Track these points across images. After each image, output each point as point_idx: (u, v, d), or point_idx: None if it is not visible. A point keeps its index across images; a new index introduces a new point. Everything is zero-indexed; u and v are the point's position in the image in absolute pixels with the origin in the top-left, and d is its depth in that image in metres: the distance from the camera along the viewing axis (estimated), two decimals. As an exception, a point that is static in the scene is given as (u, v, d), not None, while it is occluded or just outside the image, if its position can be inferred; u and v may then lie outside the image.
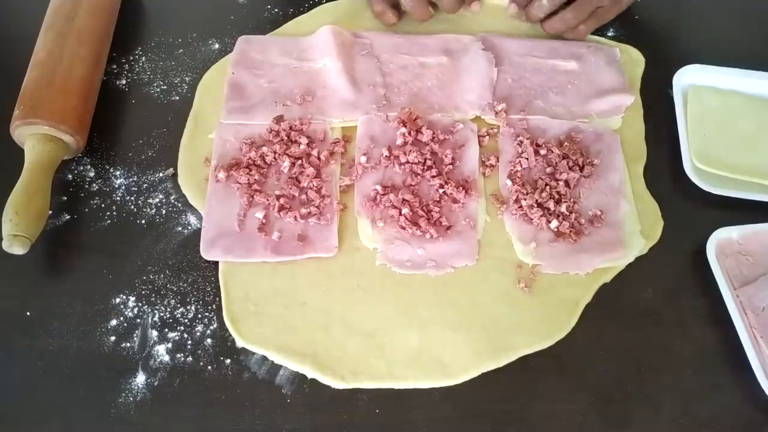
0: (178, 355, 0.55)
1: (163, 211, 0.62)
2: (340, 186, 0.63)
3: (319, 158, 0.63)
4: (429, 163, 0.63)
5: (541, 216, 0.60)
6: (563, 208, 0.61)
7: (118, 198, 0.62)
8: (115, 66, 0.70)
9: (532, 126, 0.67)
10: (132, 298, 0.57)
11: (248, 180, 0.61)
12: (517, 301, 0.58)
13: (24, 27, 0.71)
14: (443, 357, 0.55)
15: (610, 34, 0.75)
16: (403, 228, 0.59)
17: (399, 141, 0.64)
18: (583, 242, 0.60)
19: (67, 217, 0.61)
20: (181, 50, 0.72)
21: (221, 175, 0.62)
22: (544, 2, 0.68)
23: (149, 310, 0.57)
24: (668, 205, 0.63)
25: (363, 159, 0.63)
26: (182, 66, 0.71)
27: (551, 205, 0.61)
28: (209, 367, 0.54)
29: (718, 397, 0.55)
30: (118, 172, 0.64)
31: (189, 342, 0.55)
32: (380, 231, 0.60)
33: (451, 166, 0.63)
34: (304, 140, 0.64)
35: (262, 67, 0.69)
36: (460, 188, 0.61)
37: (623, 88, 0.69)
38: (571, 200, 0.62)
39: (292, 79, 0.68)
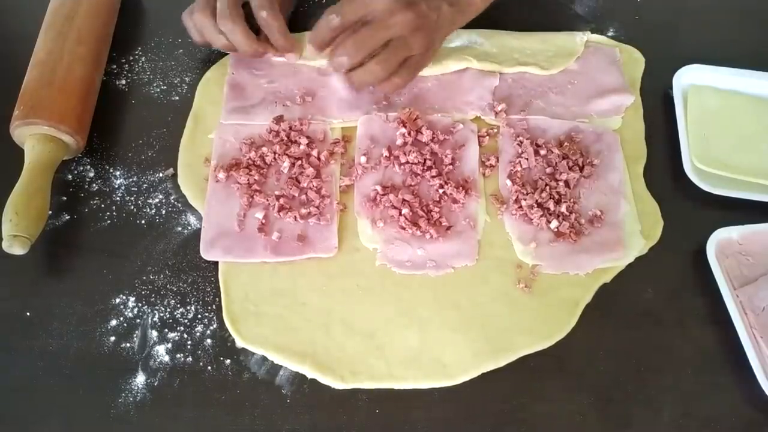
0: (178, 356, 0.55)
1: (163, 211, 0.62)
2: (340, 186, 0.63)
3: (319, 158, 0.63)
4: (429, 163, 0.63)
5: (541, 216, 0.60)
6: (563, 208, 0.61)
7: (118, 198, 0.62)
8: (115, 66, 0.70)
9: (532, 126, 0.67)
10: (132, 299, 0.57)
11: (248, 180, 0.61)
12: (517, 301, 0.58)
13: (24, 27, 0.71)
14: (443, 357, 0.55)
15: (610, 34, 0.75)
16: (403, 228, 0.59)
17: (399, 141, 0.64)
18: (583, 242, 0.60)
19: (67, 217, 0.61)
20: (181, 50, 0.72)
21: (221, 175, 0.62)
22: (344, 60, 0.60)
23: (149, 310, 0.57)
24: (668, 205, 0.63)
25: (363, 159, 0.63)
26: (182, 66, 0.71)
27: (551, 205, 0.61)
28: (209, 368, 0.54)
29: (718, 397, 0.55)
30: (118, 173, 0.64)
31: (189, 342, 0.55)
32: (380, 231, 0.60)
33: (451, 167, 0.63)
34: (303, 140, 0.64)
35: (261, 67, 0.69)
36: (460, 188, 0.61)
37: (623, 88, 0.69)
38: (571, 200, 0.62)
39: (292, 80, 0.68)
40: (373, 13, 0.59)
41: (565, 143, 0.65)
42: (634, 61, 0.73)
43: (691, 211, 0.63)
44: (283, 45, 0.66)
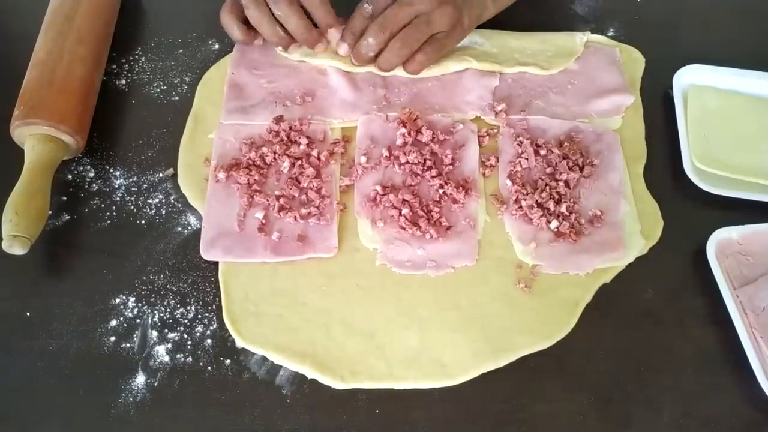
0: (178, 356, 0.55)
1: (163, 212, 0.62)
2: (340, 186, 0.63)
3: (319, 158, 0.63)
4: (429, 163, 0.63)
5: (541, 216, 0.60)
6: (563, 209, 0.61)
7: (118, 198, 0.62)
8: (115, 66, 0.70)
9: (532, 126, 0.67)
10: (132, 299, 0.57)
11: (248, 180, 0.61)
12: (517, 301, 0.58)
13: (24, 27, 0.71)
14: (443, 357, 0.55)
15: (610, 34, 0.75)
16: (403, 228, 0.59)
17: (399, 141, 0.64)
18: (583, 242, 0.60)
19: (67, 217, 0.61)
20: (181, 50, 0.72)
21: (221, 175, 0.62)
22: (370, 40, 0.62)
23: (149, 310, 0.57)
24: (668, 205, 0.63)
25: (363, 159, 0.63)
26: (182, 66, 0.71)
27: (551, 205, 0.61)
28: (209, 368, 0.54)
29: (718, 397, 0.55)
30: (118, 173, 0.64)
31: (189, 342, 0.55)
32: (380, 231, 0.60)
33: (451, 167, 0.63)
34: (303, 140, 0.64)
35: (262, 67, 0.69)
36: (460, 188, 0.61)
37: (623, 88, 0.69)
38: (571, 200, 0.62)
39: (292, 80, 0.68)
40: None
41: (565, 143, 0.65)
42: (634, 61, 0.73)
43: (691, 211, 0.63)
44: (329, 20, 0.64)
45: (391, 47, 0.63)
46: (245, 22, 0.65)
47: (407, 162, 0.63)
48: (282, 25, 0.64)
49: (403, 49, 0.63)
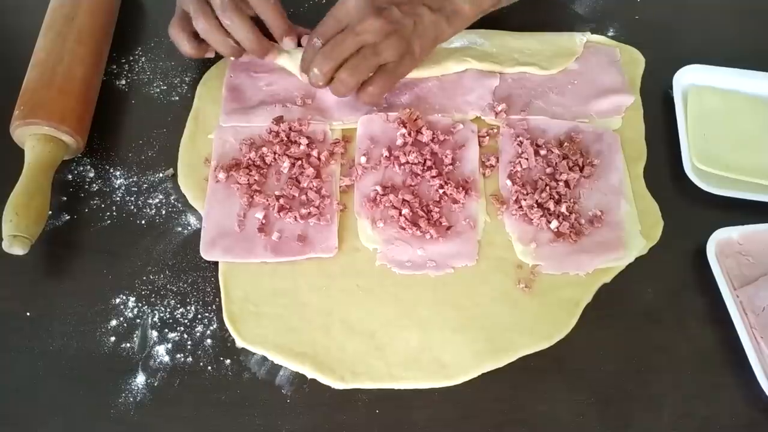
0: (178, 356, 0.55)
1: (163, 212, 0.62)
2: (340, 186, 0.63)
3: (319, 159, 0.63)
4: (429, 163, 0.63)
5: (541, 216, 0.60)
6: (563, 209, 0.61)
7: (118, 198, 0.62)
8: (115, 66, 0.70)
9: (532, 126, 0.67)
10: (132, 299, 0.57)
11: (248, 180, 0.61)
12: (517, 301, 0.58)
13: (24, 27, 0.71)
14: (443, 357, 0.55)
15: (610, 34, 0.75)
16: (403, 228, 0.59)
17: (399, 141, 0.64)
18: (583, 242, 0.60)
19: (67, 217, 0.61)
20: (181, 50, 0.72)
21: (221, 175, 0.62)
22: (315, 71, 0.59)
23: (149, 310, 0.57)
24: (668, 205, 0.63)
25: (363, 159, 0.63)
26: (182, 66, 0.71)
27: (551, 205, 0.61)
28: (209, 368, 0.54)
29: (718, 397, 0.55)
30: (118, 173, 0.64)
31: (189, 342, 0.55)
32: (380, 231, 0.60)
33: (451, 167, 0.63)
34: (303, 141, 0.64)
35: (260, 69, 0.69)
36: (460, 188, 0.61)
37: (623, 88, 0.69)
38: (571, 200, 0.62)
39: (291, 81, 0.68)
40: (348, 25, 0.59)
41: (565, 143, 0.65)
42: (634, 61, 0.73)
43: (691, 211, 0.63)
44: (282, 27, 0.63)
45: (338, 76, 0.60)
46: (195, 36, 0.63)
47: (407, 162, 0.63)
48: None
49: (350, 78, 0.60)
